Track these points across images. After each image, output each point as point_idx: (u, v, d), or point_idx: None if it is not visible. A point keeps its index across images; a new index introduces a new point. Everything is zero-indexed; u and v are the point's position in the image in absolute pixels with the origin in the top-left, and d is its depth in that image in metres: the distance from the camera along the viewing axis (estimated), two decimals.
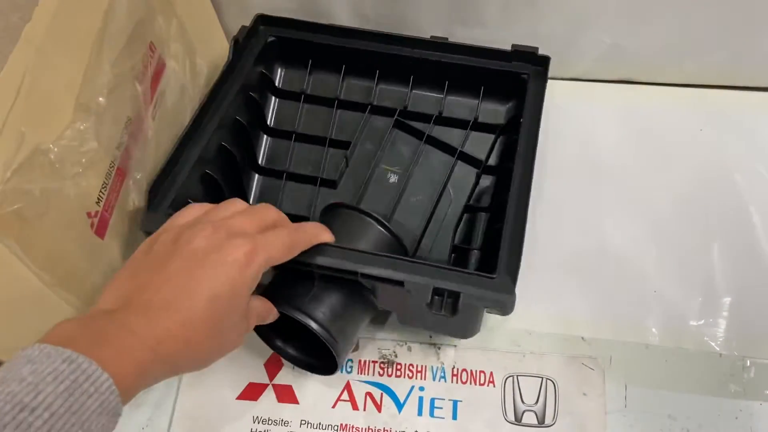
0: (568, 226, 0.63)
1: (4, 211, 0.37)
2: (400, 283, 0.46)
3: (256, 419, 0.54)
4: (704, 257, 0.60)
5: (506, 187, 0.52)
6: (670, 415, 0.53)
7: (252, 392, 0.55)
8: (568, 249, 0.61)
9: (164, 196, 0.52)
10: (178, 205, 0.49)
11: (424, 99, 0.64)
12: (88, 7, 0.43)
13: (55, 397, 0.30)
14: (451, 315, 0.46)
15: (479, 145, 0.61)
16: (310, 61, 0.64)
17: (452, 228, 0.59)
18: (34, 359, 0.31)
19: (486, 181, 0.61)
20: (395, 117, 0.62)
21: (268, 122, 0.64)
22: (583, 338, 0.56)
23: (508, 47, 0.60)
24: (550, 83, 0.60)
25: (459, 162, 0.61)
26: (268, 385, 0.55)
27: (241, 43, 0.61)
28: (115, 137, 0.47)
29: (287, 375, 0.55)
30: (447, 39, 0.61)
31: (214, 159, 0.57)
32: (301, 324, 0.47)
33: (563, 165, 0.66)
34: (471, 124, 0.62)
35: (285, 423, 0.54)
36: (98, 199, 0.46)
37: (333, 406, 0.54)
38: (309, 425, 0.53)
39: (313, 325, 0.46)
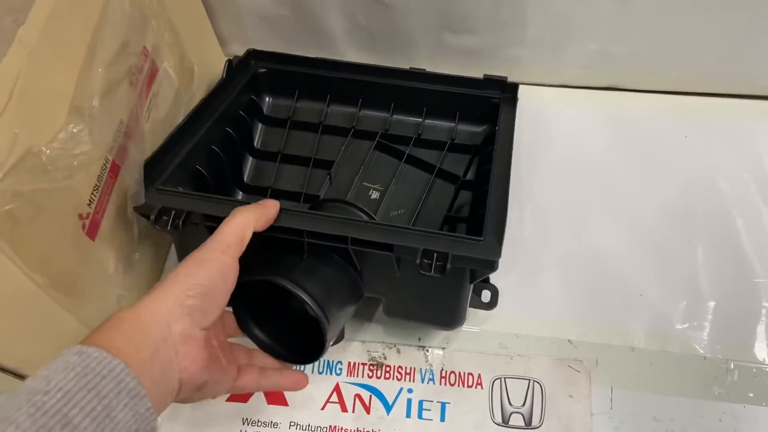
0: (555, 230, 0.64)
1: None
2: (389, 248, 0.46)
3: (246, 421, 0.54)
4: (689, 262, 0.61)
5: (483, 198, 0.53)
6: (654, 417, 0.53)
7: (242, 394, 0.55)
8: (555, 253, 0.62)
9: (155, 179, 0.52)
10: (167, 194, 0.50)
11: (404, 123, 0.67)
12: (82, 10, 0.44)
13: (66, 381, 0.31)
14: (440, 274, 0.45)
15: (456, 164, 0.64)
16: (297, 90, 0.68)
17: None
18: (49, 361, 0.32)
19: (464, 196, 0.63)
20: (376, 139, 0.64)
21: (255, 145, 0.67)
22: (570, 341, 0.57)
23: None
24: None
25: (437, 179, 0.63)
26: None
27: (234, 67, 0.64)
28: (108, 140, 0.48)
29: None
30: (425, 69, 0.65)
31: (206, 155, 0.58)
32: (281, 305, 0.46)
33: (551, 170, 0.67)
34: (448, 144, 0.65)
35: (274, 425, 0.54)
36: (90, 201, 0.47)
37: (322, 408, 0.55)
38: (298, 427, 0.54)
39: (306, 297, 0.44)
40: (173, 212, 0.48)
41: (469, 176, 0.63)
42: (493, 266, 0.46)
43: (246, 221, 0.43)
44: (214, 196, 0.50)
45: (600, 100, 0.73)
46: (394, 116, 0.67)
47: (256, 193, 0.64)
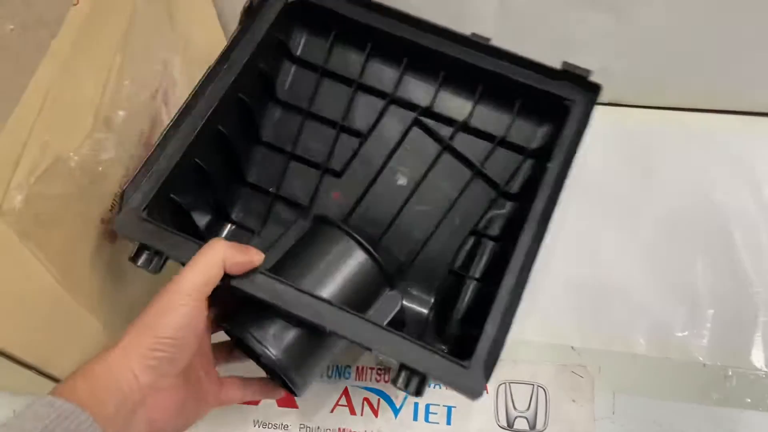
0: (559, 241, 0.65)
1: (27, 215, 0.39)
2: (367, 348, 0.42)
3: (257, 423, 0.55)
4: (689, 272, 0.63)
5: (521, 220, 0.47)
6: (655, 421, 0.55)
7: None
8: (559, 264, 0.63)
9: (143, 193, 0.46)
10: (159, 201, 0.46)
11: (451, 101, 0.56)
12: (110, 24, 0.46)
13: None
14: (414, 395, 0.41)
15: (502, 165, 0.56)
16: (333, 33, 0.57)
17: (453, 249, 0.55)
18: (20, 412, 0.33)
19: (500, 207, 0.56)
20: (416, 114, 0.56)
21: (282, 90, 0.58)
22: (573, 348, 0.59)
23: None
24: None
25: (475, 179, 0.56)
26: None
27: (254, 7, 0.53)
28: (130, 148, 0.50)
29: None
30: (489, 40, 0.53)
31: (207, 143, 0.51)
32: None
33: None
34: (498, 140, 0.55)
35: (285, 427, 0.55)
36: (111, 206, 0.49)
37: (331, 411, 0.56)
38: (308, 429, 0.55)
39: (272, 357, 0.43)
40: (154, 251, 0.44)
41: (512, 187, 0.55)
42: (473, 398, 0.41)
43: (215, 261, 0.40)
44: (197, 241, 0.43)
45: (600, 115, 0.74)
46: (441, 90, 0.56)
47: (276, 151, 0.58)
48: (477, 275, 0.54)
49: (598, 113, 0.75)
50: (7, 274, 0.40)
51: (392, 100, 0.57)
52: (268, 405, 0.56)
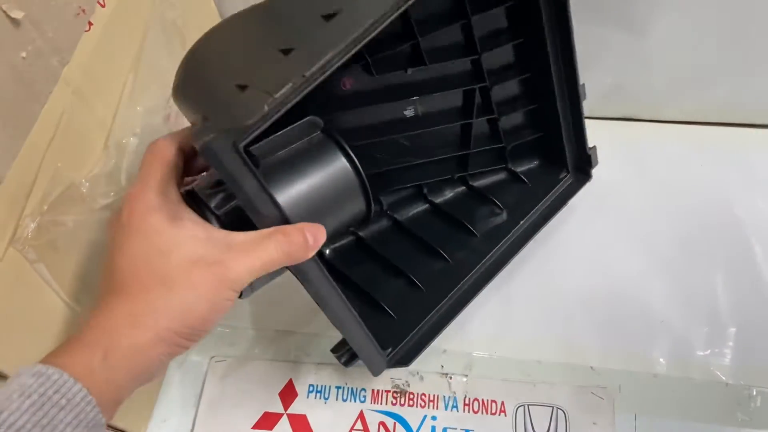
0: (575, 260, 0.64)
1: (39, 242, 0.39)
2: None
3: None
4: (709, 289, 0.62)
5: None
6: None
7: (267, 422, 0.56)
8: (576, 282, 0.63)
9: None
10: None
11: None
12: (121, 49, 0.46)
13: (20, 413, 0.28)
14: (344, 365, 0.50)
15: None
16: None
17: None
18: (9, 383, 0.30)
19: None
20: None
21: None
22: (592, 368, 0.57)
23: None
24: None
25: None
26: (282, 414, 0.56)
27: None
28: None
29: (302, 404, 0.56)
30: None
31: None
32: None
33: (569, 201, 0.68)
34: None
35: None
36: None
37: None
38: None
39: None
40: None
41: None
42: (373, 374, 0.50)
43: (279, 260, 0.37)
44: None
45: (616, 131, 0.74)
46: None
47: None
48: None
49: (614, 128, 0.75)
50: (19, 301, 0.39)
51: None
52: (283, 430, 0.56)
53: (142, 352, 0.34)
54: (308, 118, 0.43)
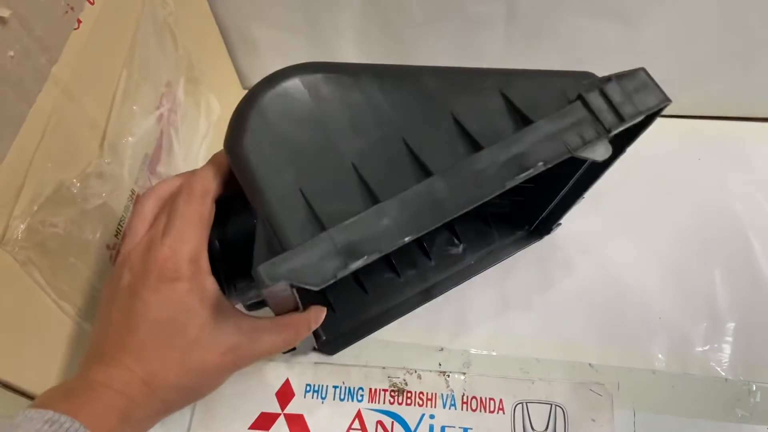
0: (574, 256, 0.64)
1: (29, 244, 0.38)
2: None
3: None
4: (707, 284, 0.61)
5: None
6: None
7: (264, 422, 0.55)
8: (573, 278, 0.62)
9: None
10: None
11: None
12: (112, 47, 0.45)
13: None
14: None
15: None
16: None
17: None
18: (18, 425, 0.31)
19: None
20: None
21: None
22: (590, 365, 0.57)
23: None
24: None
25: None
26: (279, 414, 0.56)
27: None
28: (134, 173, 0.49)
29: (299, 404, 0.56)
30: None
31: None
32: None
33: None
34: None
35: None
36: (117, 232, 0.48)
37: None
38: None
39: None
40: None
41: None
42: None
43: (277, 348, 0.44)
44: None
45: None
46: None
47: None
48: None
49: None
50: (9, 303, 0.39)
51: None
52: (280, 430, 0.55)
53: (152, 420, 0.38)
54: None
